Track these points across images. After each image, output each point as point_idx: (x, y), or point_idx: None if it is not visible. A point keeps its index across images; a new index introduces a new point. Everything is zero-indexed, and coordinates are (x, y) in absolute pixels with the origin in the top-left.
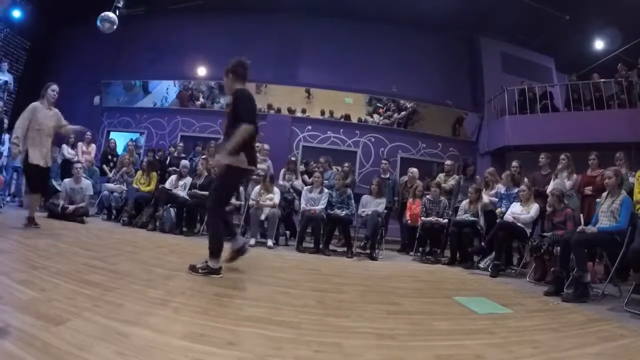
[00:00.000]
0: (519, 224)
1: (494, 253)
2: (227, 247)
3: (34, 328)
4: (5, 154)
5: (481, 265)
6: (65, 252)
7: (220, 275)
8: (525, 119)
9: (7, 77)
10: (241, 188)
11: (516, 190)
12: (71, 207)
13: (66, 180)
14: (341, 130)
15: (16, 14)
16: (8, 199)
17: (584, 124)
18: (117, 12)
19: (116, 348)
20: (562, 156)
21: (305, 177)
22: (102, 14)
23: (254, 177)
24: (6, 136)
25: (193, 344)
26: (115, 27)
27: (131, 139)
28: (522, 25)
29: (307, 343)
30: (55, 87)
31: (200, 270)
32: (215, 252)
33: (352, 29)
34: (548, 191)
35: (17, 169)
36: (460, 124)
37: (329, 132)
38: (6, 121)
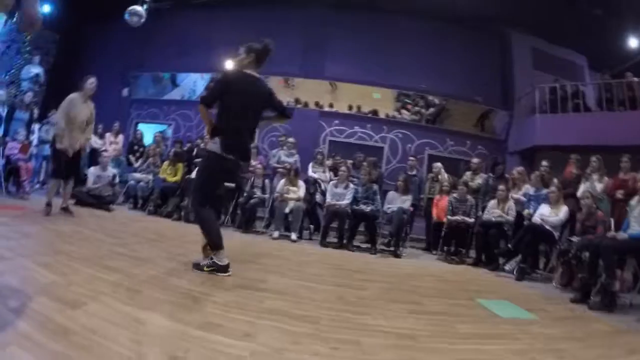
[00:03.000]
0: (547, 227)
1: (520, 255)
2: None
3: (51, 310)
4: (34, 143)
5: (507, 267)
6: (89, 238)
7: (229, 273)
8: (556, 118)
9: (38, 69)
10: (266, 181)
11: (545, 191)
12: (95, 187)
13: (92, 168)
14: (368, 125)
15: (46, 8)
16: (37, 186)
17: (617, 124)
18: (145, 5)
19: (131, 334)
20: (594, 158)
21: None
22: (130, 8)
23: (281, 170)
24: (36, 126)
25: (209, 334)
26: (143, 20)
27: (159, 131)
28: (555, 21)
29: (325, 339)
30: (93, 80)
31: (205, 268)
32: (215, 245)
33: (381, 22)
34: (578, 194)
35: (46, 158)
36: (485, 118)
37: (356, 127)
38: (36, 112)
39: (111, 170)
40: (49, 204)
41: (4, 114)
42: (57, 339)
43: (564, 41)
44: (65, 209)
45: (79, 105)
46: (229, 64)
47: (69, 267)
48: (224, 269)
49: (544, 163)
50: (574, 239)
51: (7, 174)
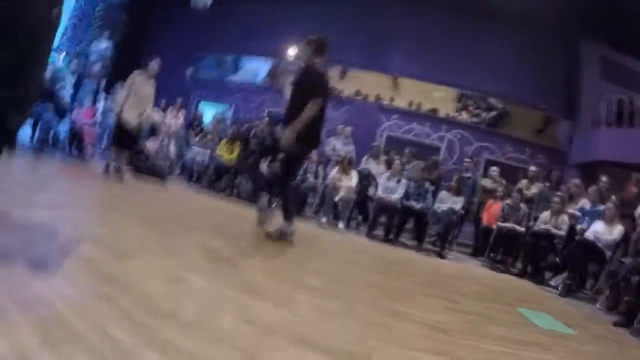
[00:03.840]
0: (599, 245)
1: (567, 271)
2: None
3: (101, 259)
4: (99, 111)
5: (552, 282)
6: (142, 203)
7: (292, 238)
8: (622, 133)
9: (106, 44)
10: (319, 168)
11: (602, 207)
12: (151, 147)
13: (152, 139)
14: (427, 123)
15: None
16: (99, 151)
17: None
18: None
19: (171, 288)
20: None
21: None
22: None
23: (335, 158)
24: (102, 95)
25: (245, 297)
26: (209, 4)
27: (218, 111)
28: (627, 30)
29: (357, 319)
30: (157, 60)
31: (273, 235)
32: (288, 217)
33: (448, 20)
34: (636, 214)
35: (109, 126)
36: (548, 125)
37: (414, 124)
38: (103, 82)
39: (170, 143)
40: (107, 168)
41: (73, 82)
42: (101, 283)
43: (637, 52)
44: (120, 174)
45: (142, 82)
46: (292, 51)
47: (119, 224)
48: (289, 235)
49: (604, 179)
50: (626, 260)
51: (72, 138)
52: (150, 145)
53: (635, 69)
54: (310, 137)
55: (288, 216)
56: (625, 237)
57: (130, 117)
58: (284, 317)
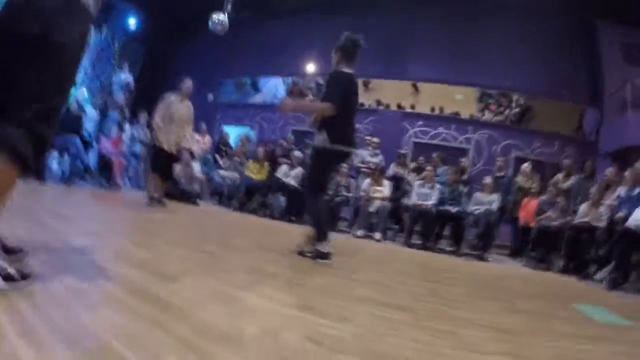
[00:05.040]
0: None
1: (612, 264)
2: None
3: (147, 282)
4: (126, 141)
5: (597, 276)
6: (180, 226)
7: (330, 260)
8: None
9: (128, 77)
10: (351, 180)
11: (638, 190)
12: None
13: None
14: (453, 126)
15: (132, 22)
16: (127, 181)
17: None
18: (227, 15)
19: (227, 309)
20: None
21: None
22: (214, 17)
23: (365, 170)
24: (127, 125)
25: (305, 314)
26: (226, 28)
27: (243, 133)
28: None
29: (423, 328)
30: (189, 81)
31: (308, 254)
32: (321, 235)
33: (461, 20)
34: None
35: (136, 155)
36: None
37: (440, 128)
38: (127, 112)
39: (199, 167)
40: (152, 197)
41: (97, 115)
42: (151, 309)
43: None
44: (159, 200)
45: (176, 103)
46: (310, 68)
47: (162, 247)
48: (326, 255)
49: (638, 164)
50: None
51: (101, 169)
52: (179, 169)
53: None
54: (343, 137)
55: (321, 236)
56: None
57: (170, 142)
58: (349, 331)
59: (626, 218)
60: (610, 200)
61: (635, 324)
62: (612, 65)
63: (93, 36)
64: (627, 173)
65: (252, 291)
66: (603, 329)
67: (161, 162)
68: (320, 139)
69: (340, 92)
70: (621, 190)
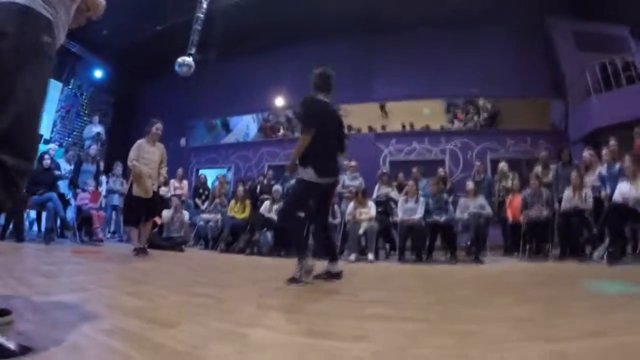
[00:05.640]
0: (629, 205)
1: (607, 240)
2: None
3: (146, 330)
4: (103, 194)
5: (594, 256)
6: (169, 272)
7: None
8: (612, 95)
9: (99, 128)
10: (335, 206)
11: (618, 165)
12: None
13: (165, 211)
14: (426, 139)
15: (98, 74)
16: (109, 235)
17: None
18: (191, 57)
19: (235, 347)
20: None
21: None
22: (179, 59)
23: (347, 195)
24: (103, 178)
25: (319, 340)
26: (192, 70)
27: (220, 174)
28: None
29: (443, 332)
30: (158, 124)
31: (323, 275)
32: (300, 252)
33: (420, 37)
34: None
35: (115, 208)
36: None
37: (413, 144)
38: (102, 164)
39: (184, 213)
40: (136, 249)
41: (71, 170)
42: (156, 354)
43: (602, 14)
44: (142, 250)
45: (147, 148)
46: (279, 102)
47: (154, 295)
48: (339, 275)
49: (612, 141)
50: None
51: (80, 224)
52: (165, 216)
53: (605, 32)
54: (327, 169)
55: (331, 257)
56: None
57: (143, 190)
58: (368, 350)
59: (611, 195)
60: (591, 181)
61: None
62: (568, 55)
63: (60, 91)
64: (604, 152)
65: (258, 325)
66: (619, 299)
67: (134, 211)
68: (308, 173)
69: (309, 114)
70: (601, 169)
